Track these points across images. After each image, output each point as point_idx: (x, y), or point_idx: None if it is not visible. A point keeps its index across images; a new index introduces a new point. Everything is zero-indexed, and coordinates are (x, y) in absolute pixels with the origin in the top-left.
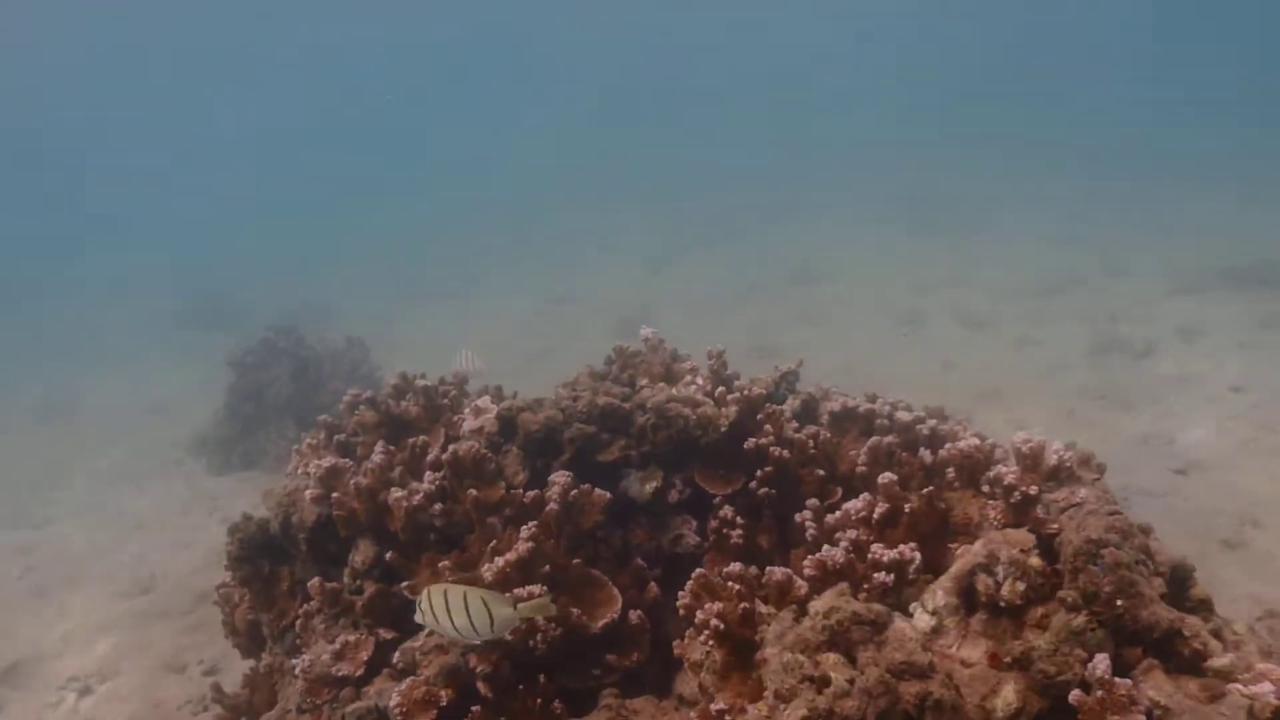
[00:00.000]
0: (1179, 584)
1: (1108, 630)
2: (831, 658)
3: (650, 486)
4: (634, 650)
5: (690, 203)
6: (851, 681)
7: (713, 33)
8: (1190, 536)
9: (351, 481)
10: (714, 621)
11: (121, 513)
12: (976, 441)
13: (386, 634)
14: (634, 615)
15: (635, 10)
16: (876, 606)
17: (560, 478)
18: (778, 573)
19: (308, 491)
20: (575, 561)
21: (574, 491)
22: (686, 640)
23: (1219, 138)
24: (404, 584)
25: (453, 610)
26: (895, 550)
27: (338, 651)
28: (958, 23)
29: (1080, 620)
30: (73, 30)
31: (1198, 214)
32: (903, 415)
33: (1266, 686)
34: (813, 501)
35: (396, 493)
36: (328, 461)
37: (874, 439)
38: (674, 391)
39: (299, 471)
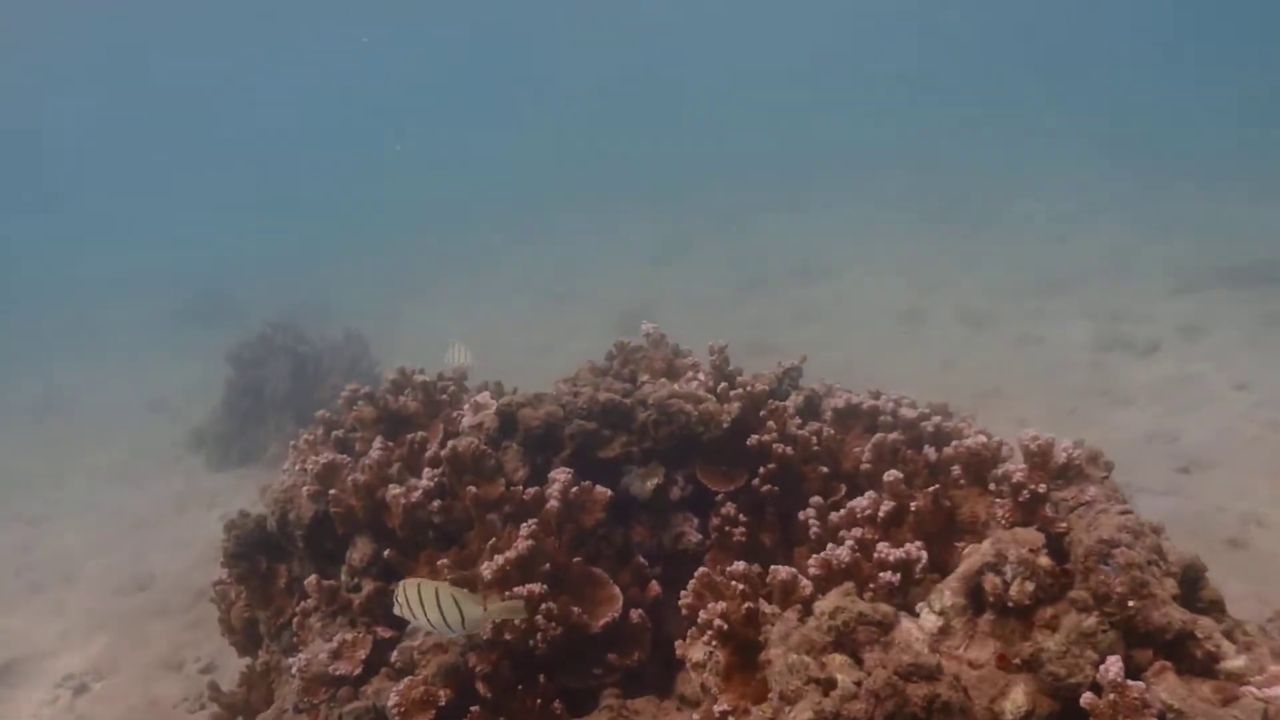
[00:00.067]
0: (1190, 584)
1: (1119, 632)
2: (838, 659)
3: (652, 483)
4: (635, 649)
5: (692, 198)
6: (858, 683)
7: (716, 25)
8: (1194, 535)
9: (349, 478)
10: (717, 621)
11: (119, 509)
12: (984, 439)
13: (384, 632)
14: (635, 614)
15: (637, 3)
16: (883, 607)
17: (561, 475)
18: (782, 572)
19: (305, 488)
20: (576, 560)
21: (575, 489)
22: (688, 640)
23: (1224, 134)
24: None
25: (426, 605)
26: (902, 549)
27: (335, 650)
28: (963, 17)
29: (1091, 621)
30: (72, 28)
31: (1200, 212)
32: (907, 412)
33: None
34: (816, 499)
35: (395, 489)
36: (325, 458)
37: (878, 436)
38: (676, 387)
39: (296, 468)
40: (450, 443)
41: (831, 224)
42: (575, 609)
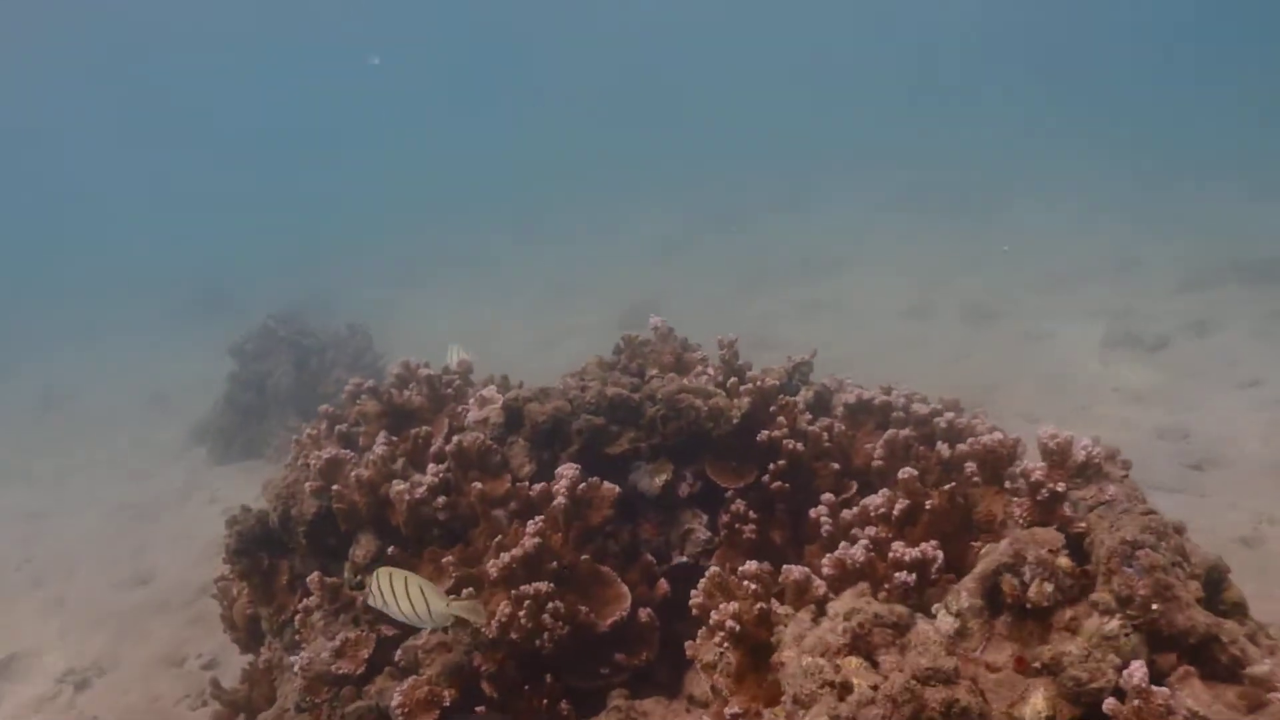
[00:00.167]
0: (1213, 586)
1: (1142, 635)
2: (853, 662)
3: (660, 480)
4: (643, 649)
5: (695, 194)
6: (875, 688)
7: (718, 22)
8: (1205, 534)
9: (352, 474)
10: (729, 623)
11: (121, 503)
12: (1000, 436)
13: (388, 631)
14: (643, 613)
15: (638, 1)
16: (899, 608)
17: (568, 470)
18: (795, 571)
19: (307, 484)
20: (583, 558)
21: (582, 485)
22: (699, 641)
23: (1224, 133)
24: None
25: (398, 596)
26: (917, 549)
27: (338, 649)
28: (964, 15)
29: (1114, 625)
30: (72, 26)
31: (1202, 210)
32: (919, 407)
33: None
34: (828, 496)
35: (399, 485)
36: (328, 453)
37: (890, 432)
38: (685, 382)
39: (299, 463)
40: (455, 438)
41: (834, 221)
42: (582, 608)
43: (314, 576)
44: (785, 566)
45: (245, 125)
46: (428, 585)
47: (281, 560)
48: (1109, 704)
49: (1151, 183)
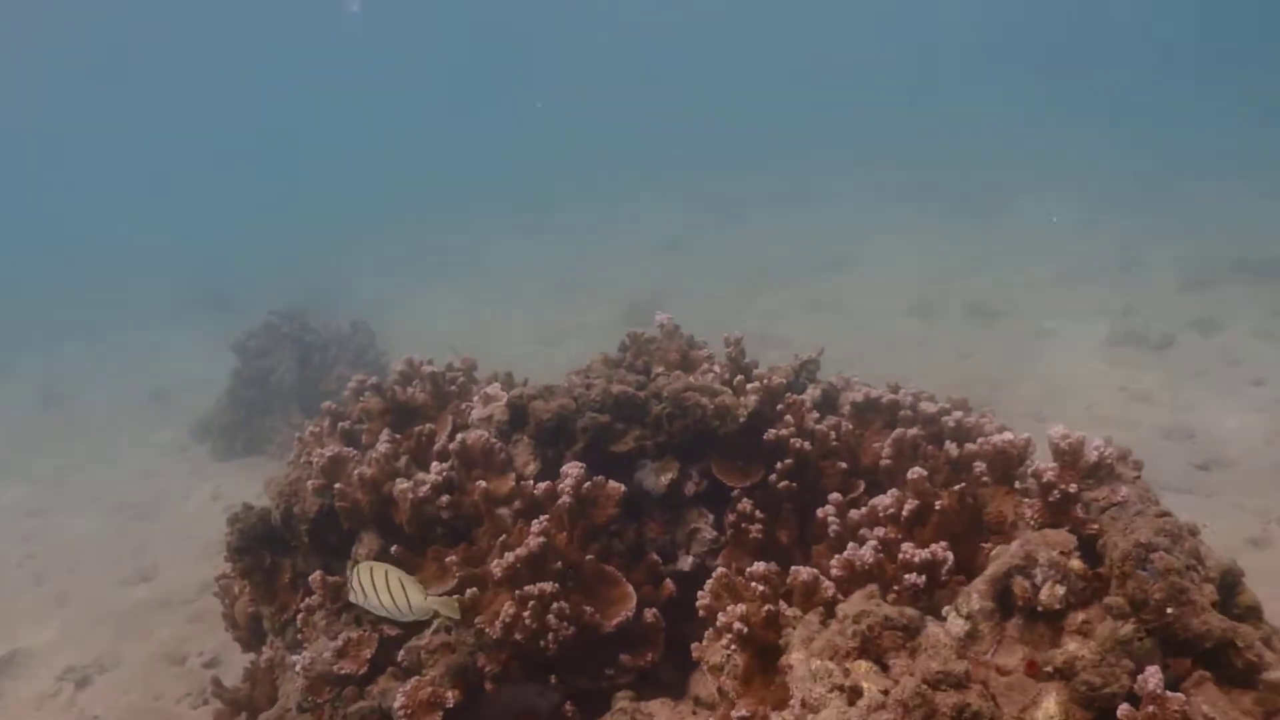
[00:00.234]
0: (1227, 589)
1: (1156, 640)
2: (863, 666)
3: (666, 478)
4: (649, 650)
5: (699, 190)
6: (886, 692)
7: (724, 17)
8: (1213, 535)
9: (355, 472)
10: (737, 624)
11: (122, 500)
12: (1010, 436)
13: (391, 631)
14: (649, 613)
15: None
16: (909, 610)
17: (573, 469)
18: (804, 573)
19: (310, 481)
20: (589, 558)
21: (587, 484)
22: (706, 643)
23: (1226, 132)
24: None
25: (378, 589)
26: (927, 550)
27: (340, 649)
28: (970, 9)
29: (1128, 629)
30: (71, 21)
31: (1205, 208)
32: (927, 406)
33: None
34: (835, 496)
35: (402, 484)
36: (330, 450)
37: (898, 431)
38: (691, 380)
39: (301, 460)
40: (459, 435)
41: (838, 217)
42: (587, 608)
43: (316, 575)
44: (793, 568)
45: (246, 123)
46: (407, 579)
47: (284, 559)
48: (1123, 710)
49: (1153, 182)
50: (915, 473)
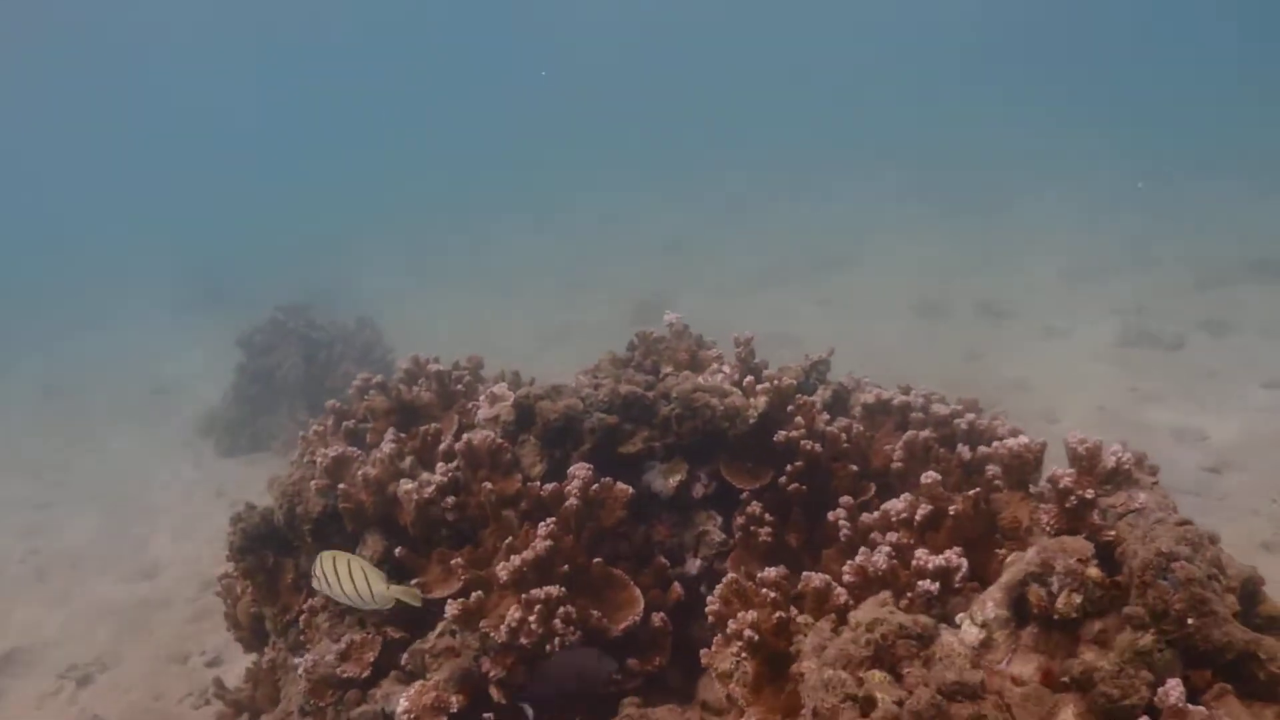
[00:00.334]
0: (1248, 599)
1: (1176, 651)
2: (877, 675)
3: (674, 480)
4: (656, 654)
5: (705, 187)
6: (900, 703)
7: (729, 12)
8: (1227, 539)
9: (359, 472)
10: (747, 632)
11: (126, 496)
12: (1026, 440)
13: (395, 633)
14: (656, 618)
15: None
16: (923, 619)
17: (580, 471)
18: (815, 579)
19: (313, 481)
20: (596, 561)
21: (595, 486)
22: (715, 649)
23: (1232, 131)
24: (414, 581)
25: (341, 577)
26: (941, 556)
27: (343, 651)
28: (968, 12)
29: (1148, 640)
30: (70, 18)
31: (1212, 207)
32: (939, 408)
33: None
34: (846, 499)
35: (407, 485)
36: (334, 450)
37: (910, 433)
38: (700, 380)
39: (305, 460)
40: (465, 436)
41: (844, 214)
42: (594, 612)
43: None
44: (805, 574)
45: (249, 120)
46: (369, 568)
47: (286, 559)
48: None
49: (1162, 180)
50: (929, 477)
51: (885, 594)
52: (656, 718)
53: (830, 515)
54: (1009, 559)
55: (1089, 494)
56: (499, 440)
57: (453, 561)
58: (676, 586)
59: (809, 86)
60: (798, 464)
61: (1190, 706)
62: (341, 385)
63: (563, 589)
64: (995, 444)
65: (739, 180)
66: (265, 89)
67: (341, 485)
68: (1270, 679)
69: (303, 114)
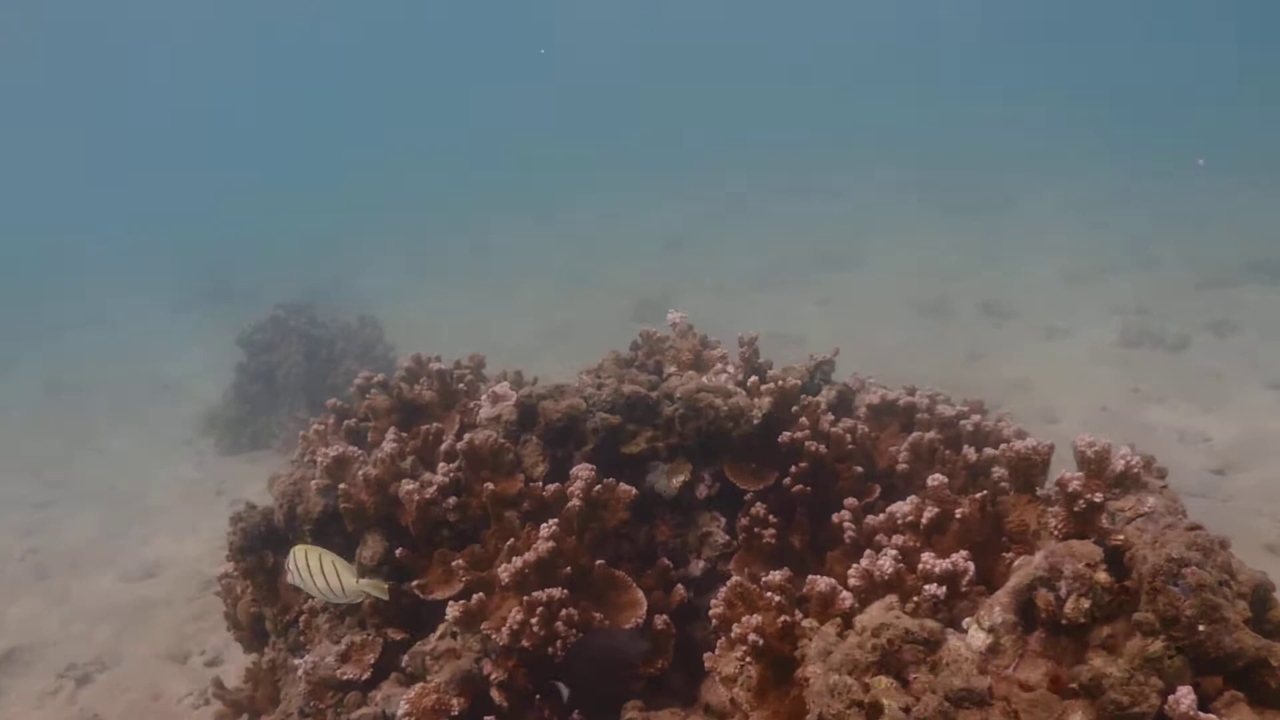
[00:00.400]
0: (1259, 605)
1: (1187, 658)
2: (883, 682)
3: (677, 480)
4: (659, 657)
5: (707, 184)
6: (906, 709)
7: (729, 10)
8: (1232, 542)
9: (360, 472)
10: (752, 636)
11: (127, 494)
12: (1034, 442)
13: (395, 635)
14: (659, 620)
15: None
16: (930, 624)
17: (583, 471)
18: (821, 583)
19: (313, 481)
20: (599, 563)
21: (598, 486)
22: (718, 652)
23: (1237, 129)
24: (415, 582)
25: (312, 571)
26: (948, 560)
27: (343, 653)
28: (970, 10)
29: (1158, 646)
30: (70, 18)
31: (1217, 206)
32: (944, 409)
33: None
34: (851, 501)
35: (408, 485)
36: (335, 450)
37: (915, 435)
38: (704, 380)
39: (305, 459)
40: (467, 435)
41: (845, 215)
42: (597, 614)
43: None
44: (810, 577)
45: (248, 119)
46: (340, 561)
47: (287, 559)
48: None
49: (1165, 180)
50: (935, 479)
51: (891, 598)
52: None
53: (835, 517)
54: (1016, 563)
55: (1097, 498)
56: (501, 440)
57: (454, 563)
58: (679, 588)
59: (809, 85)
60: (802, 465)
61: (1202, 715)
62: (343, 383)
63: (565, 591)
64: (1002, 446)
65: (739, 179)
66: (264, 88)
67: (342, 485)
68: None
69: (303, 112)
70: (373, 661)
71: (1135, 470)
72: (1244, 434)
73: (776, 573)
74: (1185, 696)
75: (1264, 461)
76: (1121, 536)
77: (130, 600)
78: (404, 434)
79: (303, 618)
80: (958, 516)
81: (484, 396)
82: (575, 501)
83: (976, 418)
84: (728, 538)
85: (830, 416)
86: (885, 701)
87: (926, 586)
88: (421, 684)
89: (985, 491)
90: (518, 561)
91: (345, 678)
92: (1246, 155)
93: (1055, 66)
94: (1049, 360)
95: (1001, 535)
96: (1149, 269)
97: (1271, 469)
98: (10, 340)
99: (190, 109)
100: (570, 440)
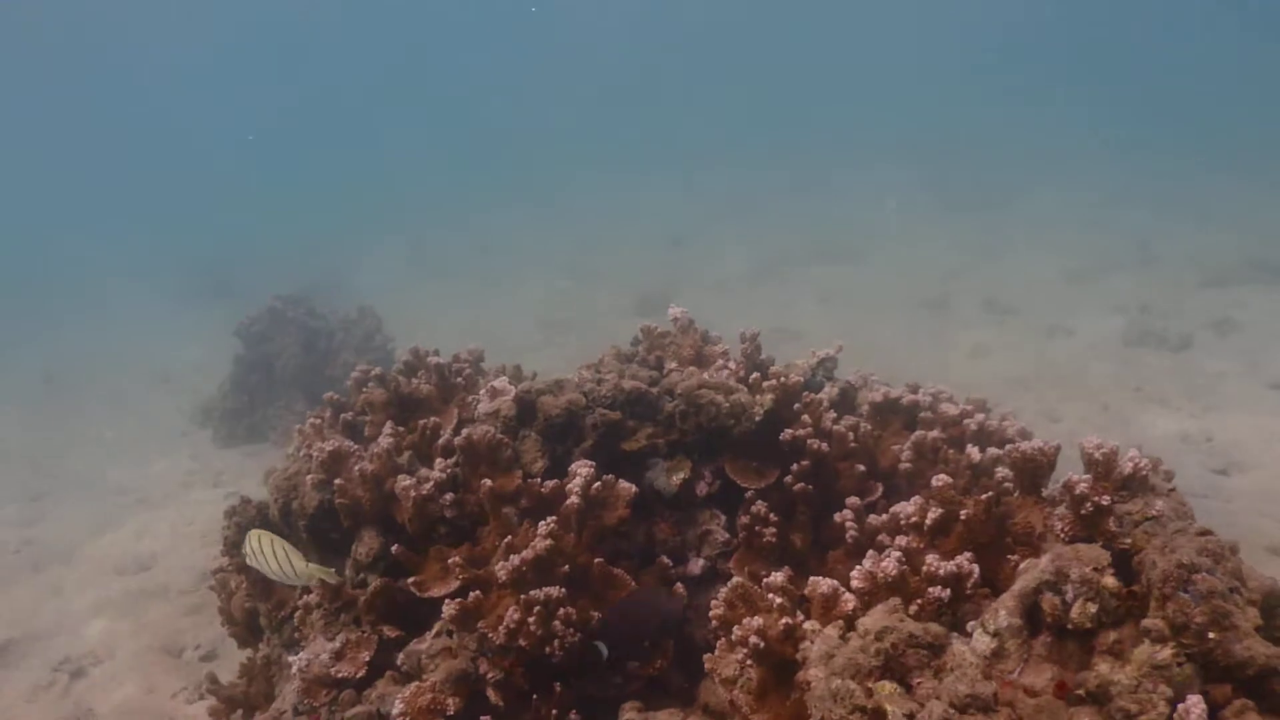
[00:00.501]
0: (1270, 612)
1: (1196, 665)
2: (887, 687)
3: (678, 478)
4: (658, 657)
5: (709, 180)
6: (910, 716)
7: (735, 7)
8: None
9: (356, 467)
10: (753, 638)
11: (123, 486)
12: (1040, 443)
13: (391, 632)
14: None
15: None
16: (934, 627)
17: (582, 468)
18: (823, 584)
19: (309, 476)
20: (597, 561)
21: (597, 484)
22: (718, 653)
23: (1242, 127)
24: (411, 580)
25: (265, 555)
26: (953, 562)
27: (338, 650)
28: (973, 9)
29: (1167, 654)
30: (71, 18)
31: (1221, 204)
32: (948, 408)
33: None
34: (854, 500)
35: (404, 480)
36: (331, 444)
37: (918, 433)
38: (705, 376)
39: (301, 453)
40: (465, 430)
41: (848, 212)
42: (595, 613)
43: None
44: (812, 579)
45: (248, 117)
46: (290, 547)
47: None
48: None
49: (1169, 179)
50: (940, 480)
51: (895, 601)
52: None
53: (837, 517)
54: (1022, 566)
55: (1105, 501)
56: (499, 435)
57: (451, 560)
58: (679, 587)
59: (813, 82)
60: (804, 463)
61: None
62: (341, 374)
63: (563, 589)
64: (1008, 446)
65: (741, 175)
66: (265, 88)
67: (338, 480)
68: None
69: (303, 109)
70: (368, 659)
71: (1144, 473)
72: (1247, 434)
73: (778, 573)
74: (1195, 705)
75: (1266, 462)
76: (1129, 540)
77: (125, 593)
78: (401, 428)
79: (297, 614)
80: (962, 518)
81: (482, 391)
82: (574, 499)
83: (980, 417)
84: (728, 536)
85: (833, 414)
86: (889, 708)
87: (931, 589)
88: (417, 683)
89: (990, 493)
90: (515, 559)
91: (340, 675)
92: (1248, 154)
93: (1059, 65)
94: (1051, 358)
95: (1006, 537)
96: (1151, 267)
97: (1274, 469)
98: (10, 333)
99: (190, 108)
100: (569, 436)
